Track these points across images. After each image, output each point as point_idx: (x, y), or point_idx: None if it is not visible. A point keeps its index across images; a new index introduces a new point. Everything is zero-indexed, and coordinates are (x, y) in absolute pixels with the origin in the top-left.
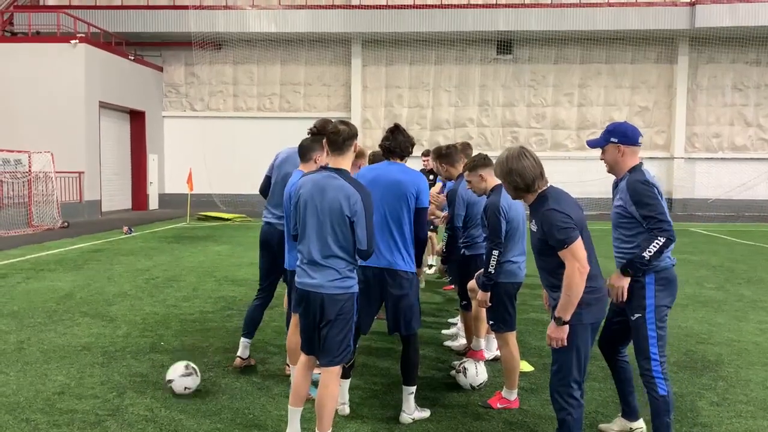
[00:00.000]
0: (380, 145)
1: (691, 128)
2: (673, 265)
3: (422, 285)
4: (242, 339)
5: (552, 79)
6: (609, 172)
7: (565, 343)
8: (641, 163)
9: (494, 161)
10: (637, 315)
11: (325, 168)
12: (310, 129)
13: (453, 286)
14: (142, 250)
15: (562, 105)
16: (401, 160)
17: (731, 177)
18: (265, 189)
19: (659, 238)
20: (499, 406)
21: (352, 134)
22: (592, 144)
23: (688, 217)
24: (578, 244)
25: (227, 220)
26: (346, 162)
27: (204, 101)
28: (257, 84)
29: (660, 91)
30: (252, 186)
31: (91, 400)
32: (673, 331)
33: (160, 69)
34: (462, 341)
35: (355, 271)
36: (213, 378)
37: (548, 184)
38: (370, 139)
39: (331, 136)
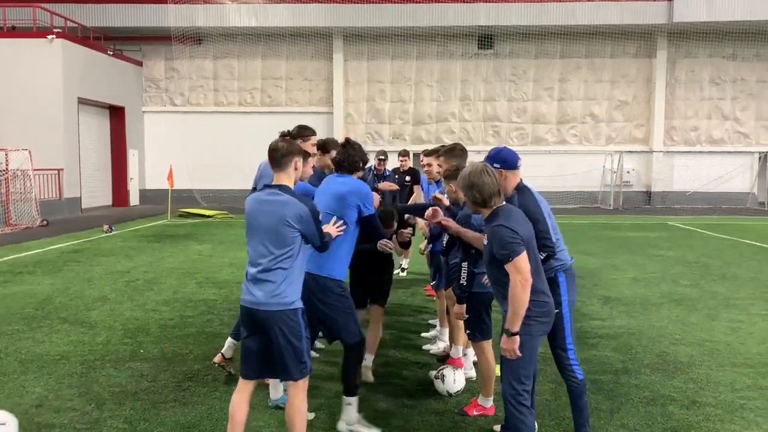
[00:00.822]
0: (332, 159)
1: (670, 122)
2: (572, 264)
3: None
4: (229, 339)
5: (532, 74)
6: None
7: (519, 354)
8: (521, 180)
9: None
10: (555, 311)
11: (268, 186)
12: (282, 132)
13: (433, 291)
14: (122, 250)
15: (543, 99)
16: (350, 173)
17: (709, 170)
18: None
19: (541, 253)
20: (475, 413)
21: (290, 151)
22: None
23: (666, 210)
24: (522, 258)
25: (208, 216)
26: (287, 178)
27: (184, 96)
28: (238, 78)
29: (639, 85)
30: (233, 181)
31: (69, 413)
32: (647, 332)
33: (140, 64)
34: (441, 344)
35: (298, 285)
36: (193, 387)
37: (503, 203)
38: (352, 134)
39: (272, 152)
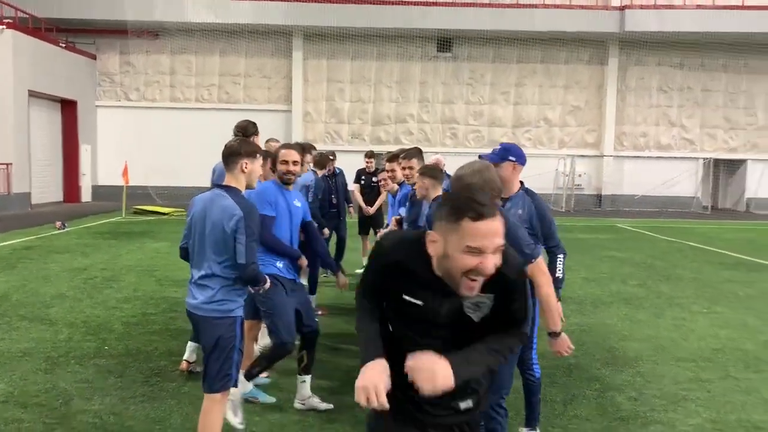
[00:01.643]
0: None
1: (620, 127)
2: None
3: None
4: (190, 342)
5: (490, 78)
6: None
7: (572, 347)
8: (522, 183)
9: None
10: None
11: (218, 186)
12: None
13: None
14: (77, 247)
15: (499, 103)
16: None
17: (656, 175)
18: None
19: (559, 255)
20: None
21: (237, 152)
22: (488, 158)
23: (616, 213)
24: (542, 259)
25: (164, 214)
26: (234, 180)
27: (140, 91)
28: (195, 74)
29: (591, 91)
30: (189, 178)
31: (37, 409)
32: (598, 329)
33: (94, 57)
34: None
35: (239, 294)
36: (160, 383)
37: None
38: (311, 133)
39: (222, 151)
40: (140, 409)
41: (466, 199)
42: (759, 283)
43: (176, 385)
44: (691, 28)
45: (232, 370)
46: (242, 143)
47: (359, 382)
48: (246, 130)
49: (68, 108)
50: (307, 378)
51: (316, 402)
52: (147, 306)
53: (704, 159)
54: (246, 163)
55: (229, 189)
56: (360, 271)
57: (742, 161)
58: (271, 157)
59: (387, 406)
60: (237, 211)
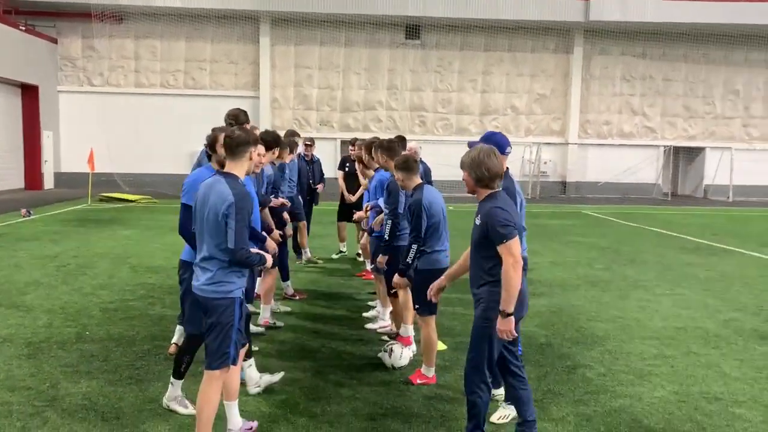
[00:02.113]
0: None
1: (585, 116)
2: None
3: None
4: (178, 326)
5: (457, 66)
6: None
7: (515, 334)
8: (507, 169)
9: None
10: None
11: (219, 172)
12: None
13: (368, 275)
14: (45, 234)
15: (467, 91)
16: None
17: (619, 162)
18: None
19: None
20: (418, 381)
21: (247, 141)
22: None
23: (580, 199)
24: (515, 242)
25: (131, 201)
26: (238, 168)
27: (103, 76)
28: (160, 60)
29: (557, 79)
30: (155, 165)
31: (25, 392)
32: (567, 310)
33: (55, 41)
34: (382, 323)
35: (238, 276)
36: (146, 366)
37: (500, 188)
38: (279, 119)
39: (226, 140)
40: (129, 391)
41: None
42: (718, 266)
43: (162, 368)
44: (653, 18)
45: (230, 349)
46: (249, 132)
47: None
48: (238, 119)
49: (29, 93)
50: (251, 361)
51: (268, 377)
52: (124, 293)
53: (665, 147)
54: (253, 151)
55: (227, 175)
56: (336, 256)
57: (701, 149)
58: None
59: None
60: (230, 197)
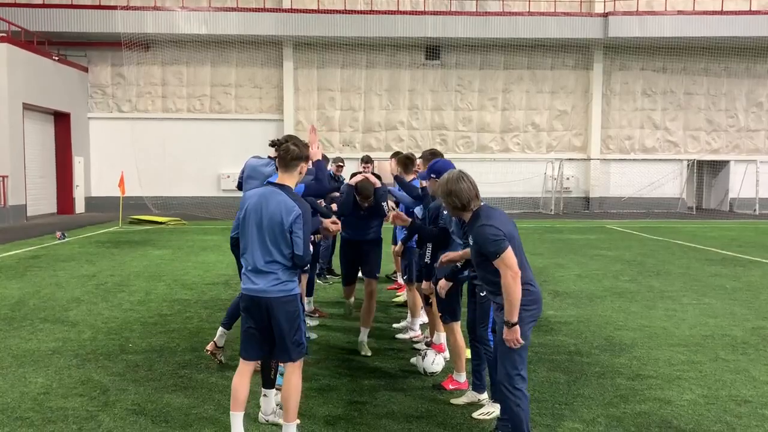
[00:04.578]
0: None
1: (606, 131)
2: None
3: None
4: (220, 328)
5: (477, 85)
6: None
7: (522, 342)
8: None
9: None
10: (484, 292)
11: (271, 183)
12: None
13: (400, 287)
14: (81, 256)
15: (487, 109)
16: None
17: (642, 177)
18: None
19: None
20: (450, 387)
21: (300, 156)
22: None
23: (603, 214)
24: (509, 253)
25: (161, 223)
26: (290, 179)
27: (131, 102)
28: (186, 85)
29: (577, 95)
30: (183, 188)
31: (78, 398)
32: (594, 320)
33: (85, 69)
34: (412, 333)
35: (295, 275)
36: (189, 374)
37: (482, 203)
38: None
39: (281, 153)
40: (174, 398)
41: None
42: (744, 277)
43: (204, 376)
44: (672, 33)
45: (303, 338)
46: (303, 148)
47: None
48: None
49: (61, 120)
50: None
51: (276, 418)
52: (161, 308)
53: (688, 161)
54: (303, 167)
55: (283, 187)
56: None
57: (725, 162)
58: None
59: None
60: (296, 209)
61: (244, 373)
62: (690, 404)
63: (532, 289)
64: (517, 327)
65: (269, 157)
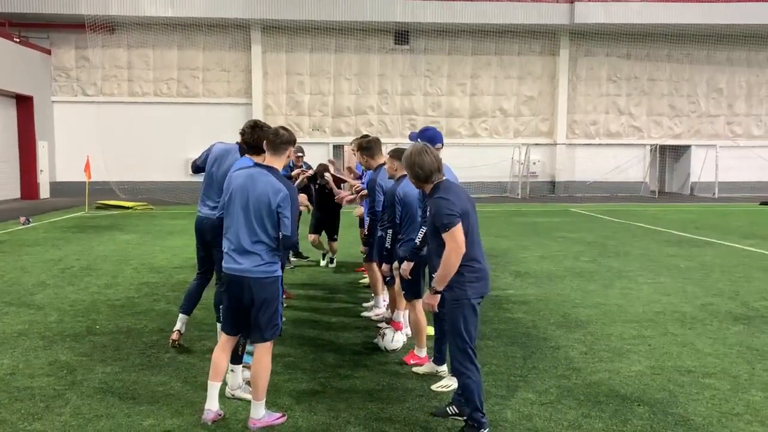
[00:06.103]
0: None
1: (572, 116)
2: None
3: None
4: (180, 315)
5: (446, 70)
6: None
7: (436, 309)
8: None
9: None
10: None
11: (258, 165)
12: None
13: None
14: (47, 240)
15: (456, 94)
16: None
17: (607, 161)
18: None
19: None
20: (411, 362)
21: (289, 140)
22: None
23: (569, 198)
24: (458, 229)
25: (128, 208)
26: (278, 162)
27: (97, 86)
28: (153, 69)
29: (544, 81)
30: (150, 173)
31: (45, 378)
32: (552, 298)
33: (48, 52)
34: (377, 311)
35: (277, 257)
36: (156, 354)
37: (444, 178)
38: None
39: (271, 137)
40: (141, 376)
41: None
42: (698, 257)
43: (170, 355)
44: (636, 20)
45: (278, 320)
46: (292, 133)
47: None
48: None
49: (23, 103)
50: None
51: (243, 394)
52: (129, 291)
53: (651, 145)
54: (291, 151)
55: (270, 169)
56: (324, 263)
57: (687, 147)
58: None
59: None
60: (284, 190)
61: (224, 347)
62: (637, 375)
63: (477, 266)
64: (438, 296)
65: (237, 143)
